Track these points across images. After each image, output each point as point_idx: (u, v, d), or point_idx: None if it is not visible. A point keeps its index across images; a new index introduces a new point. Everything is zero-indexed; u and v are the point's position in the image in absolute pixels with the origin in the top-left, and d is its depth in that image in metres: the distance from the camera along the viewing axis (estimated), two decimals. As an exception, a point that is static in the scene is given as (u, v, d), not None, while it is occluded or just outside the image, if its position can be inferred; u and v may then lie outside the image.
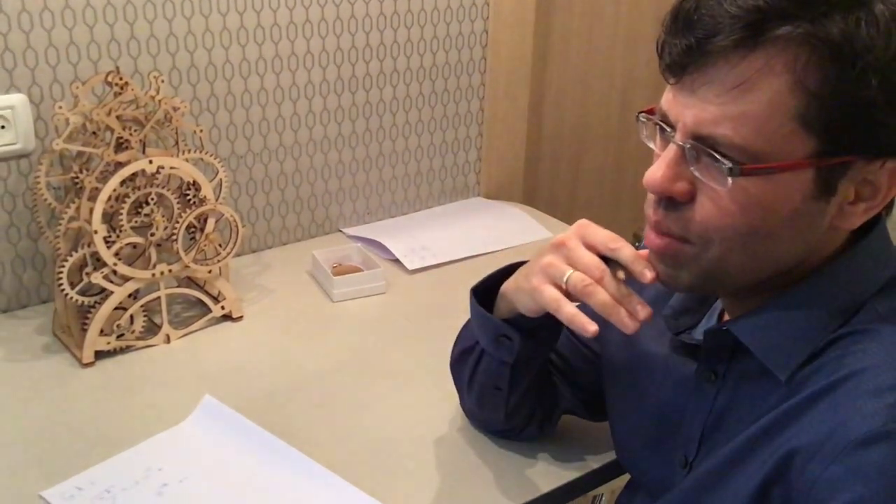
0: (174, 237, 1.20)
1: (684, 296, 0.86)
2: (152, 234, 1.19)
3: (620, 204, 2.13)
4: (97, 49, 1.27)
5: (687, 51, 0.68)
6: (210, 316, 1.28)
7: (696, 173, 0.71)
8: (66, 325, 1.21)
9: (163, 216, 1.19)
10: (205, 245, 1.24)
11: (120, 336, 1.20)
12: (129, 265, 1.18)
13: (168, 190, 1.19)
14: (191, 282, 1.30)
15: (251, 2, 1.37)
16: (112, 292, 1.17)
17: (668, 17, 0.71)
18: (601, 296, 0.79)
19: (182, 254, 1.21)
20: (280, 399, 1.13)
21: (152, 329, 1.24)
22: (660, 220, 0.74)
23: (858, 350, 0.70)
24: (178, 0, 1.30)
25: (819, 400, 0.69)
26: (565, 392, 1.02)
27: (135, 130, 1.18)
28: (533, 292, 0.84)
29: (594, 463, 1.03)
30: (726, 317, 0.83)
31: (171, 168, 1.19)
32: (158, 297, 1.22)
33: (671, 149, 0.72)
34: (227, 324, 1.29)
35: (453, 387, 1.05)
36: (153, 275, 1.20)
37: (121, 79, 1.20)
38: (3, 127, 1.21)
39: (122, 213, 1.15)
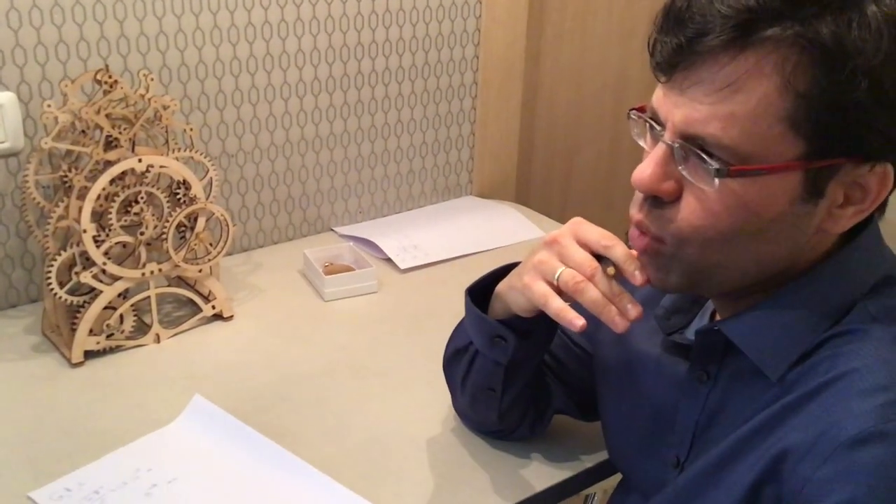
0: (164, 236, 1.19)
1: (676, 296, 0.85)
2: (142, 234, 1.18)
3: (613, 203, 2.13)
4: (86, 47, 1.26)
5: (677, 49, 0.68)
6: (200, 315, 1.27)
7: (684, 173, 0.70)
8: (56, 324, 1.20)
9: (153, 215, 1.18)
10: (195, 244, 1.24)
11: (109, 336, 1.19)
12: (119, 264, 1.18)
13: (158, 189, 1.18)
14: (181, 281, 1.30)
15: (243, 0, 1.36)
16: (101, 292, 1.17)
17: (660, 15, 0.71)
18: (592, 293, 0.79)
19: (172, 253, 1.20)
20: (270, 399, 1.12)
21: (142, 329, 1.23)
22: (641, 218, 0.74)
23: (850, 350, 0.69)
24: (169, -2, 1.30)
25: (810, 400, 0.69)
26: (558, 392, 1.02)
27: (124, 129, 1.17)
28: (524, 289, 0.84)
29: (587, 462, 1.03)
30: (718, 317, 0.83)
31: (161, 167, 1.18)
32: (148, 297, 1.21)
33: (660, 147, 0.71)
34: (218, 323, 1.29)
35: (445, 386, 1.04)
36: (143, 274, 1.19)
37: (110, 77, 1.19)
38: (-9, 125, 1.20)
39: (111, 212, 1.14)
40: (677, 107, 0.69)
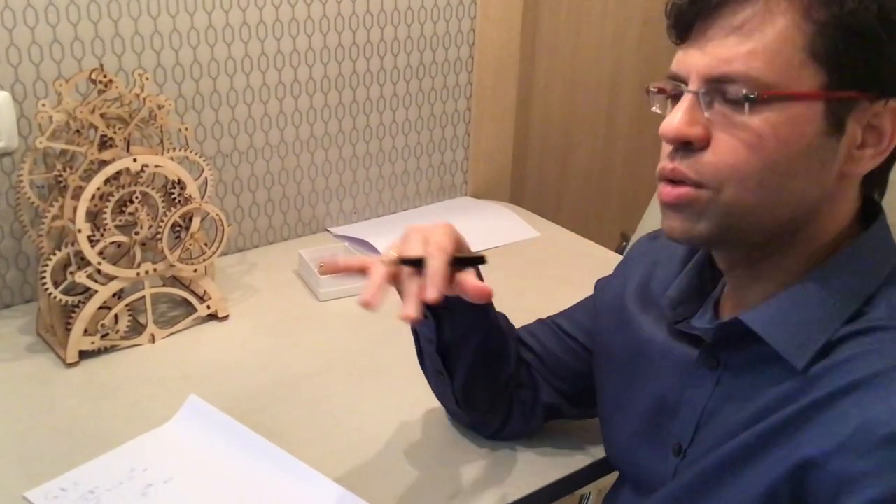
0: (159, 236, 1.19)
1: (683, 286, 0.86)
2: (137, 233, 1.18)
3: (608, 202, 2.13)
4: (81, 46, 1.26)
5: (691, 4, 0.72)
6: (195, 315, 1.27)
7: (711, 117, 0.72)
8: (50, 324, 1.20)
9: (147, 215, 1.18)
10: (190, 244, 1.24)
11: (104, 336, 1.19)
12: (114, 264, 1.17)
13: (153, 188, 1.18)
14: (176, 281, 1.30)
15: (238, 0, 1.36)
16: (96, 291, 1.16)
17: None
18: (378, 271, 0.80)
19: (167, 253, 1.20)
20: (266, 399, 1.12)
21: (137, 328, 1.23)
22: (675, 167, 0.74)
23: (882, 349, 0.70)
24: (163, -3, 1.30)
25: (842, 398, 0.68)
26: (545, 386, 1.02)
27: (119, 128, 1.17)
28: None
29: (581, 462, 1.03)
30: (722, 308, 0.84)
31: (156, 166, 1.18)
32: (143, 297, 1.21)
33: (685, 98, 0.73)
34: (213, 323, 1.29)
35: (440, 386, 1.05)
36: (138, 274, 1.19)
37: (105, 76, 1.19)
38: (-15, 125, 1.20)
39: (106, 212, 1.14)
40: (698, 58, 0.72)
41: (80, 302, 1.17)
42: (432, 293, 0.78)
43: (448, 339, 0.95)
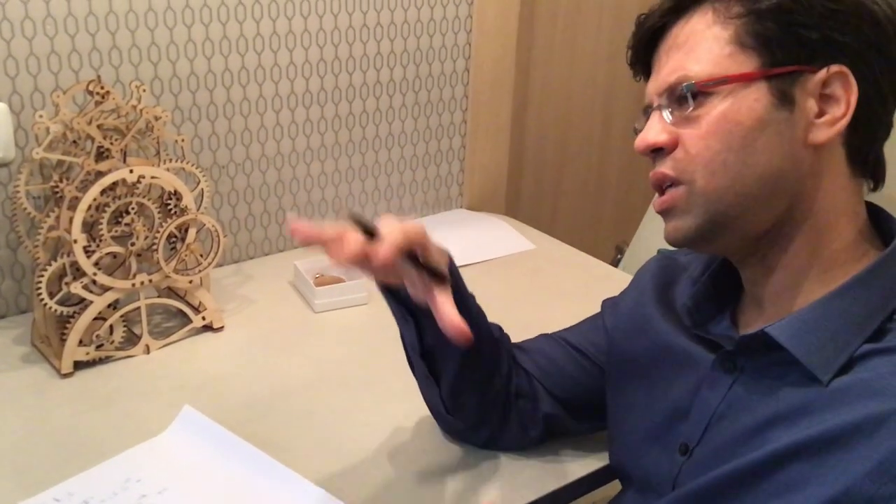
0: (155, 247, 1.19)
1: (700, 292, 0.88)
2: (132, 244, 1.18)
3: (602, 215, 2.14)
4: (78, 58, 1.26)
5: (638, 43, 0.83)
6: (190, 326, 1.27)
7: (673, 122, 0.79)
8: (45, 335, 1.20)
9: (143, 226, 1.19)
10: (186, 255, 1.24)
11: (99, 346, 1.19)
12: (109, 275, 1.18)
13: (149, 199, 1.18)
14: (171, 292, 1.30)
15: (235, 12, 1.37)
16: (91, 302, 1.16)
17: (630, 39, 0.85)
18: (350, 246, 0.86)
19: (163, 264, 1.20)
20: (261, 410, 1.12)
21: (132, 339, 1.23)
22: (657, 170, 0.81)
23: None
24: (161, 10, 1.31)
25: (880, 425, 0.68)
26: (545, 397, 1.02)
27: (116, 139, 1.17)
28: None
29: (580, 471, 1.03)
30: (740, 311, 0.86)
31: (152, 177, 1.18)
32: (138, 308, 1.21)
33: (651, 115, 0.81)
34: (208, 334, 1.29)
35: (435, 397, 1.05)
36: (133, 285, 1.19)
37: (102, 87, 1.19)
38: (-18, 135, 1.20)
39: (102, 223, 1.15)
40: (653, 82, 0.82)
41: (75, 312, 1.17)
42: (377, 257, 0.82)
43: (431, 343, 0.96)
